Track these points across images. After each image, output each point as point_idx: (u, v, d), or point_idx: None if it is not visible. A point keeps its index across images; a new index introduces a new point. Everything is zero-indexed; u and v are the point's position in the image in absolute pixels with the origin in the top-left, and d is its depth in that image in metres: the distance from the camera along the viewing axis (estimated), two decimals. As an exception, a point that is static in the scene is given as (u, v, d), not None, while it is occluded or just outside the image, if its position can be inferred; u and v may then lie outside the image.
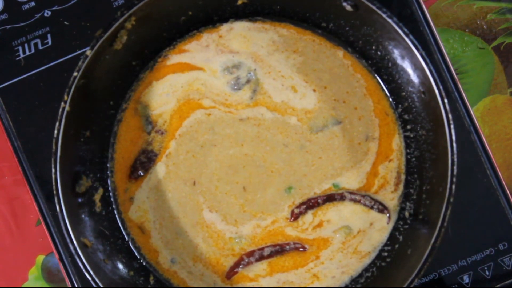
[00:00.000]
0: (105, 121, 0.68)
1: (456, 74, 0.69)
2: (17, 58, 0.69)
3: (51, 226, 0.68)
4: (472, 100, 0.76)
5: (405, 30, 0.61)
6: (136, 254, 0.69)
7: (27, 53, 0.69)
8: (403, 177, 0.69)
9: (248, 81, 0.69)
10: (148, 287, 0.68)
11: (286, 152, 0.68)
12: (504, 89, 0.77)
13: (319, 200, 0.68)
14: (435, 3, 0.77)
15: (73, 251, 0.62)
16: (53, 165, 0.61)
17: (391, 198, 0.69)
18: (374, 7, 0.61)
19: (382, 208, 0.68)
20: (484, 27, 0.77)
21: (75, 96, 0.61)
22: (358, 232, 0.68)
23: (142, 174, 0.69)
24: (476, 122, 0.69)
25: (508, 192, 0.69)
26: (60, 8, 0.70)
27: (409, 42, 0.61)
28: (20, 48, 0.69)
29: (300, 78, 0.69)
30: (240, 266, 0.68)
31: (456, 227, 0.68)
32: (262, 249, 0.68)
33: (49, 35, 0.69)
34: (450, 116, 0.61)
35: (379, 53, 0.67)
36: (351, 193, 0.68)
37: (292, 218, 0.68)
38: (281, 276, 0.68)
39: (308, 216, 0.68)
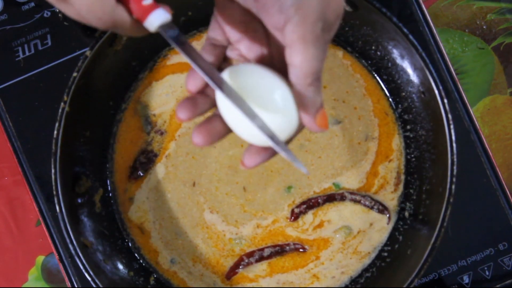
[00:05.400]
0: (105, 121, 0.68)
1: (456, 74, 0.69)
2: (17, 59, 0.69)
3: (51, 227, 0.68)
4: (472, 100, 0.76)
5: (405, 30, 0.61)
6: (136, 254, 0.69)
7: (27, 53, 0.69)
8: (403, 177, 0.69)
9: (247, 81, 0.69)
10: (148, 287, 0.68)
11: (285, 151, 0.68)
12: (504, 89, 0.77)
13: (319, 200, 0.68)
14: (434, 3, 0.77)
15: (73, 252, 0.62)
16: (52, 166, 0.61)
17: (391, 198, 0.69)
18: (373, 7, 0.61)
19: (382, 209, 0.68)
20: (484, 27, 0.77)
21: (74, 97, 0.61)
22: (358, 233, 0.68)
23: (141, 174, 0.69)
24: (476, 122, 0.69)
25: (508, 192, 0.69)
26: (60, 8, 0.70)
27: (408, 42, 0.61)
28: (20, 48, 0.69)
29: (299, 78, 0.69)
30: (240, 267, 0.68)
31: (456, 227, 0.68)
32: (262, 249, 0.68)
33: (48, 36, 0.69)
34: (450, 116, 0.61)
35: (378, 53, 0.67)
36: (352, 193, 0.68)
37: (292, 217, 0.68)
38: (281, 276, 0.68)
39: (309, 216, 0.68)
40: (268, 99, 0.41)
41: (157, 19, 0.39)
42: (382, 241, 0.68)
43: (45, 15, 0.70)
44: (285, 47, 0.40)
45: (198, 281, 0.68)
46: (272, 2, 0.38)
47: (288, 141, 0.44)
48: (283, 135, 0.42)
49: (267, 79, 0.42)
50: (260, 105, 0.41)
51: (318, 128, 0.42)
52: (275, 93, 0.41)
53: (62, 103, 0.61)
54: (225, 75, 0.42)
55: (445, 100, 0.61)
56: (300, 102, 0.41)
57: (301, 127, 0.43)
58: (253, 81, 0.41)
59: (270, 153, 0.44)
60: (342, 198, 0.68)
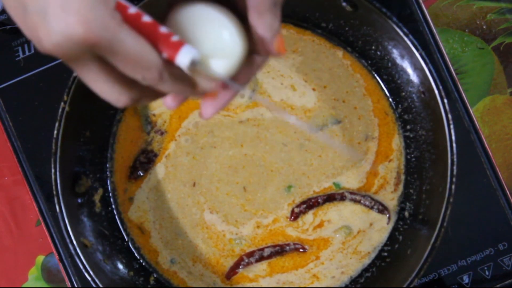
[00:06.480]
0: (105, 121, 0.68)
1: (456, 74, 0.69)
2: (17, 59, 0.69)
3: (51, 227, 0.68)
4: (471, 100, 0.75)
5: (405, 30, 0.61)
6: (136, 254, 0.69)
7: (27, 53, 0.69)
8: (403, 177, 0.69)
9: (247, 81, 0.69)
10: (148, 287, 0.68)
11: (285, 151, 0.68)
12: (503, 89, 0.77)
13: (319, 200, 0.68)
14: (434, 3, 0.77)
15: (73, 252, 0.62)
16: (52, 165, 0.61)
17: (391, 198, 0.69)
18: (373, 7, 0.61)
19: (382, 209, 0.68)
20: (484, 27, 0.77)
21: (74, 97, 0.61)
22: (358, 232, 0.68)
23: (141, 174, 0.69)
24: (476, 122, 0.69)
25: (508, 192, 0.69)
26: (60, 8, 0.70)
27: (408, 42, 0.61)
28: (19, 48, 0.69)
29: (299, 78, 0.69)
30: (240, 267, 0.68)
31: (455, 227, 0.68)
32: (262, 249, 0.68)
33: (49, 36, 0.69)
34: (449, 116, 0.61)
35: (378, 53, 0.67)
36: (352, 193, 0.68)
37: (292, 217, 0.68)
38: (281, 276, 0.68)
39: (309, 216, 0.68)
40: (212, 39, 0.41)
41: (188, 53, 0.38)
42: (382, 241, 0.68)
43: (45, 15, 0.70)
44: None
45: (198, 281, 0.68)
46: None
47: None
48: (228, 64, 0.42)
49: (212, 17, 0.42)
50: (205, 43, 0.41)
51: (276, 52, 0.43)
52: (220, 33, 0.41)
53: (62, 103, 0.61)
54: (173, 18, 0.43)
55: (445, 100, 0.61)
56: (258, 26, 0.42)
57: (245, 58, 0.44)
58: (198, 21, 0.42)
59: (225, 99, 0.45)
60: (342, 198, 0.68)
